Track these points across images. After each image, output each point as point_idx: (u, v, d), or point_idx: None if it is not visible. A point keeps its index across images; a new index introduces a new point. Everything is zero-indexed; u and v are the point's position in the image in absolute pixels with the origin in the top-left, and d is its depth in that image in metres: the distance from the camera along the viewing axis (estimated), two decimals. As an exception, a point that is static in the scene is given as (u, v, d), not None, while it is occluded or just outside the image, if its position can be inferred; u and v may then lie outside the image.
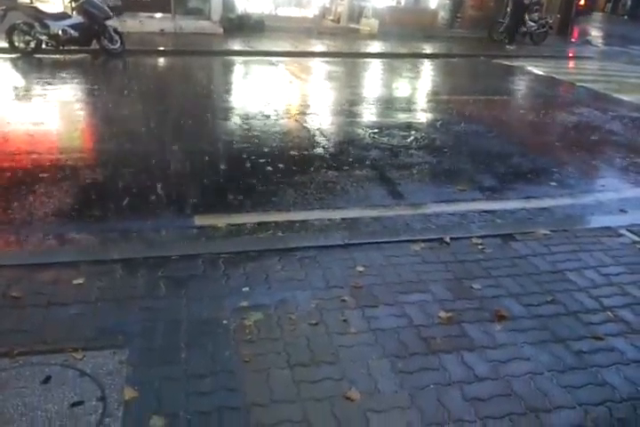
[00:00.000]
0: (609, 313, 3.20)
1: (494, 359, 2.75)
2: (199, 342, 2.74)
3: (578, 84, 11.22)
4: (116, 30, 11.19)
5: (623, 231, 4.26)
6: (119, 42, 11.25)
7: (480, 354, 2.78)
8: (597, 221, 4.54)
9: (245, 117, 7.21)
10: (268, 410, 2.34)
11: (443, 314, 3.08)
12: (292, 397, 2.43)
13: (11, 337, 2.68)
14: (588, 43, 17.31)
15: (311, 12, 17.39)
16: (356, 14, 16.96)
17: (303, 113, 7.65)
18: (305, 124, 7.02)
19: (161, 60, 11.82)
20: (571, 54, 16.19)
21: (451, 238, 3.96)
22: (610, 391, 2.58)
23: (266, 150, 5.90)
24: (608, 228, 4.31)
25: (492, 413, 2.41)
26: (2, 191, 4.53)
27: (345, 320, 2.98)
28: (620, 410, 2.48)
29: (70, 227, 4.03)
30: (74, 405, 2.29)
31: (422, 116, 7.92)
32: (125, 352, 2.62)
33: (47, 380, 2.42)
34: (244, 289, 3.20)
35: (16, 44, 10.52)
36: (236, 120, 7.12)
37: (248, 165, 5.45)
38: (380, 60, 13.18)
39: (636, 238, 4.14)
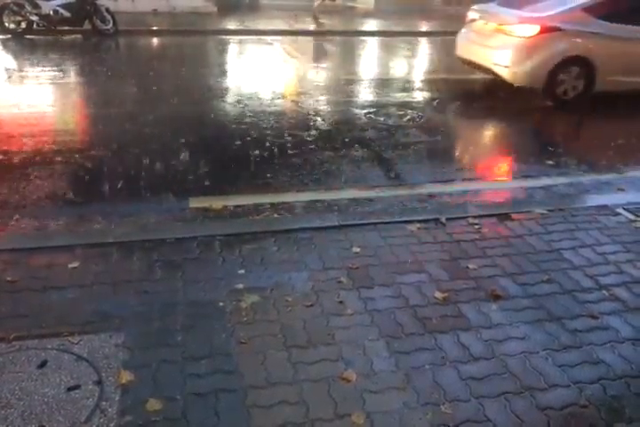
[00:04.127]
0: (604, 292, 3.20)
1: (490, 339, 2.76)
2: (195, 324, 2.74)
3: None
4: (108, 10, 11.07)
5: (620, 210, 4.25)
6: (111, 22, 11.13)
7: (476, 334, 2.79)
8: (594, 199, 4.52)
9: (240, 98, 7.14)
10: (264, 392, 2.35)
11: (439, 294, 3.09)
12: (288, 378, 2.44)
13: (7, 322, 2.67)
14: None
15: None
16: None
17: (298, 93, 7.59)
18: (301, 104, 6.96)
19: (154, 41, 11.69)
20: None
21: (447, 218, 3.95)
22: (604, 369, 2.60)
23: (262, 131, 5.85)
24: (605, 206, 4.30)
25: (487, 392, 2.42)
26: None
27: (341, 302, 2.98)
28: (615, 388, 2.49)
29: (64, 210, 4.01)
30: (70, 389, 2.30)
31: (419, 96, 7.84)
32: (121, 336, 2.62)
33: (43, 364, 2.42)
34: (239, 271, 3.20)
35: (6, 24, 10.41)
36: (230, 100, 7.05)
37: (243, 145, 5.41)
38: (377, 38, 13.04)
39: (632, 217, 4.14)
